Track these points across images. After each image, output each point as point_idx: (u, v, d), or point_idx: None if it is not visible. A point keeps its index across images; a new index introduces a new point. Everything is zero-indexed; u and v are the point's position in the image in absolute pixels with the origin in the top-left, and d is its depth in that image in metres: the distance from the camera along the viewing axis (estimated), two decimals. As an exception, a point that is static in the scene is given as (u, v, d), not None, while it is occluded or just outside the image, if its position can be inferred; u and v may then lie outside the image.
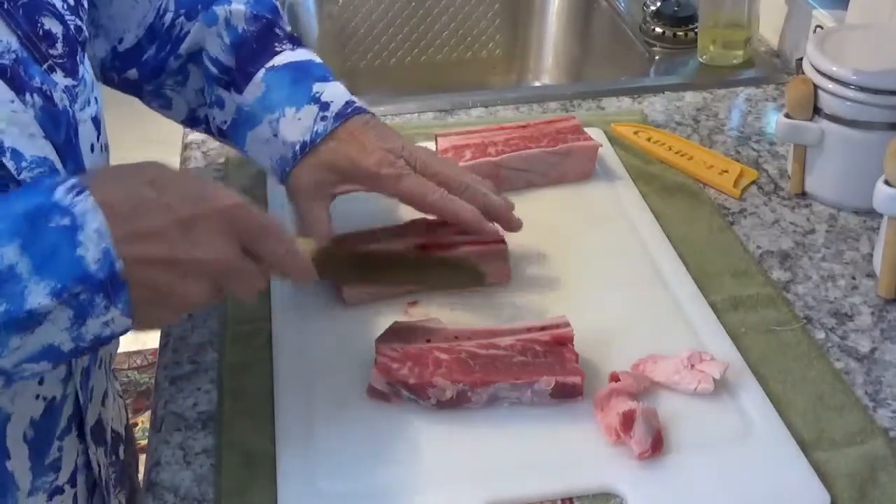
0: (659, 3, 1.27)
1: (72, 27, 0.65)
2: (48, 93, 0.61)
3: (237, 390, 0.72)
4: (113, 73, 0.82)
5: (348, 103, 0.77)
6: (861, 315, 0.80)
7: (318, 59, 0.81)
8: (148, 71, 0.81)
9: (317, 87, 0.78)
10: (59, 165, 0.61)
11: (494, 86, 1.57)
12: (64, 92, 0.63)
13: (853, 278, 0.84)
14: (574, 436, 0.67)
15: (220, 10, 0.80)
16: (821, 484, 0.64)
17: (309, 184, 0.77)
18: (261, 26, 0.80)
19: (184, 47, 0.80)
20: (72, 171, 0.62)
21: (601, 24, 1.44)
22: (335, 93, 0.78)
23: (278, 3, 0.84)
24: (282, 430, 0.68)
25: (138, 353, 2.30)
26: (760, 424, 0.68)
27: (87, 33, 0.68)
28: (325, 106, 0.77)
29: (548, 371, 0.69)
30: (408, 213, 0.83)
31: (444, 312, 0.76)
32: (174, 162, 1.06)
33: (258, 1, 0.81)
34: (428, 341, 0.71)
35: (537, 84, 1.55)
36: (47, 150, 0.60)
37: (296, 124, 0.76)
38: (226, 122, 0.81)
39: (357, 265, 0.71)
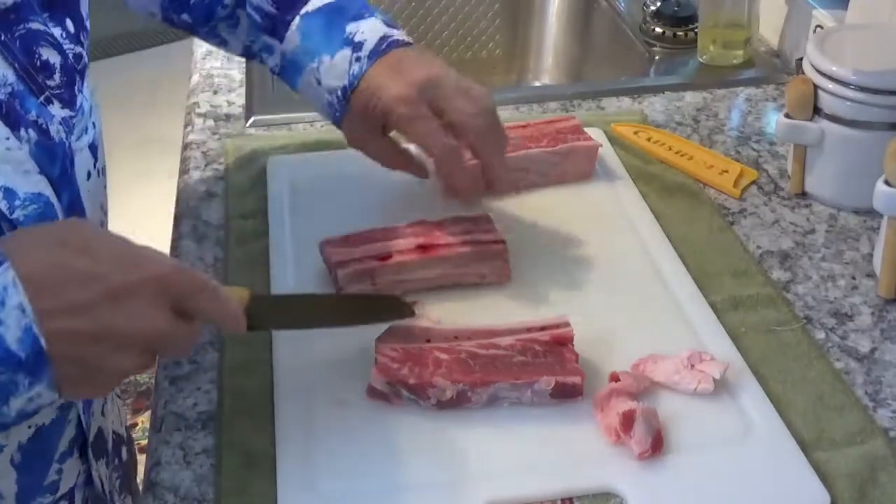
0: (659, 3, 1.27)
1: (70, 56, 0.65)
2: (44, 126, 0.60)
3: (237, 390, 0.72)
4: (172, 14, 0.84)
5: (383, 38, 0.77)
6: (861, 315, 0.80)
7: None
8: (199, 16, 0.84)
9: (350, 27, 0.78)
10: (53, 199, 0.60)
11: (494, 86, 1.57)
12: (60, 124, 0.62)
13: (853, 278, 0.84)
14: (574, 436, 0.67)
15: None
16: (821, 484, 0.64)
17: (356, 131, 0.79)
18: None
19: None
20: (67, 203, 0.62)
21: (601, 24, 1.43)
22: (370, 30, 0.78)
23: None
24: (282, 430, 0.68)
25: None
26: (760, 424, 0.68)
27: (86, 61, 0.68)
28: (357, 46, 0.77)
29: (548, 371, 0.69)
30: (407, 214, 0.83)
31: (444, 312, 0.76)
32: (174, 162, 1.06)
33: None
34: (428, 341, 0.71)
35: (537, 84, 1.55)
36: (42, 186, 0.59)
37: (333, 70, 0.77)
38: (276, 67, 0.82)
39: (284, 311, 0.70)
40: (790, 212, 0.93)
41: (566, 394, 0.69)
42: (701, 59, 1.21)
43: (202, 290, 0.57)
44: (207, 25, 0.85)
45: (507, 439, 0.67)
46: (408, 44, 0.79)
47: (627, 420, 0.65)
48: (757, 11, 1.17)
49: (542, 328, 0.72)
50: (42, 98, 0.61)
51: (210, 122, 1.06)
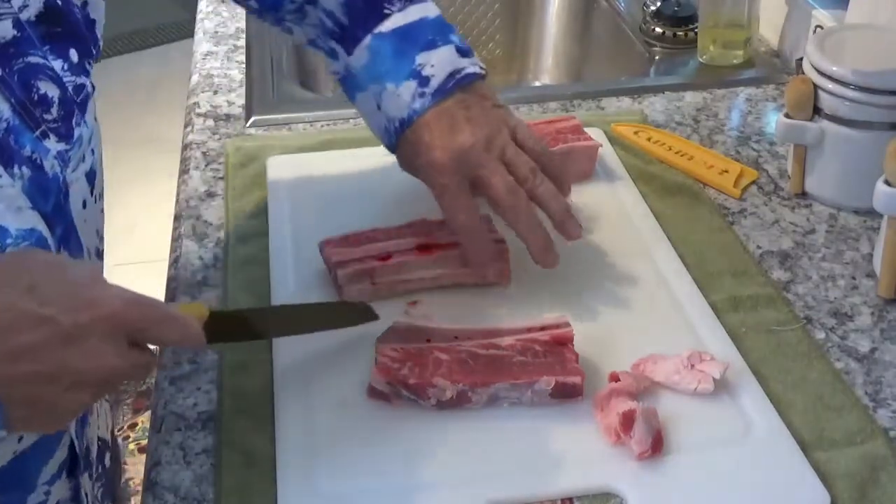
0: (659, 3, 1.27)
1: (70, 89, 0.63)
2: (38, 161, 0.59)
3: (237, 390, 0.72)
4: None
5: (451, 75, 0.76)
6: (861, 315, 0.80)
7: (431, 16, 0.78)
8: (266, 4, 0.81)
9: (420, 58, 0.76)
10: (46, 234, 0.59)
11: (494, 86, 1.57)
12: (56, 158, 0.61)
13: (853, 278, 0.84)
14: (574, 436, 0.67)
15: None
16: (821, 484, 0.64)
17: (408, 164, 0.78)
18: None
19: None
20: (60, 236, 0.61)
21: (601, 24, 1.43)
22: (440, 63, 0.76)
23: None
24: (282, 430, 0.68)
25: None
26: (760, 424, 0.68)
27: (90, 89, 0.66)
28: (424, 81, 0.75)
29: (548, 371, 0.69)
30: (407, 214, 0.83)
31: (444, 312, 0.76)
32: (174, 162, 1.06)
33: None
34: (428, 341, 0.71)
35: (537, 84, 1.55)
36: (34, 221, 0.58)
37: (395, 100, 0.76)
38: (338, 73, 0.81)
39: (242, 325, 0.69)
40: (790, 212, 0.93)
41: (566, 394, 0.69)
42: (701, 59, 1.21)
43: (159, 322, 0.56)
44: (274, 15, 0.82)
45: (508, 439, 0.67)
46: (479, 76, 0.77)
47: (627, 420, 0.65)
48: (757, 11, 1.17)
49: (542, 328, 0.72)
50: (38, 132, 0.60)
51: (210, 122, 1.06)
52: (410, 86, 0.75)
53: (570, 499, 0.64)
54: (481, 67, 0.78)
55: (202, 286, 0.83)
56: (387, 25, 0.77)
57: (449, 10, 1.51)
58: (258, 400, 0.71)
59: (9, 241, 0.56)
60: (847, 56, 0.89)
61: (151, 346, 0.58)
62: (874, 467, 0.66)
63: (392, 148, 0.79)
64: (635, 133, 1.02)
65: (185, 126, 1.07)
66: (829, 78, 0.88)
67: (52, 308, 0.51)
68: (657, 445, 0.65)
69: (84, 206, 0.66)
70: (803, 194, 0.95)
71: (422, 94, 0.75)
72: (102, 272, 0.62)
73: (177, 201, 0.95)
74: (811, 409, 0.70)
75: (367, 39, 0.77)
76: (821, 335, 0.78)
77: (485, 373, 0.69)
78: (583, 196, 0.92)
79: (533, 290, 0.80)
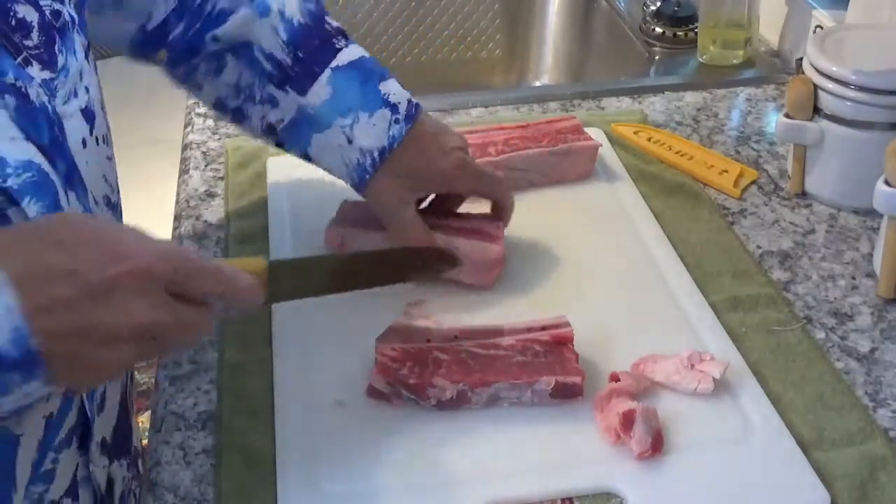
0: (659, 3, 1.27)
1: (47, 13, 0.61)
2: (23, 90, 0.57)
3: (237, 390, 0.72)
4: (142, 53, 0.79)
5: (410, 102, 0.77)
6: (861, 315, 0.80)
7: (367, 54, 0.79)
8: (179, 52, 0.78)
9: (382, 87, 0.76)
10: (48, 167, 0.58)
11: (494, 86, 1.57)
12: (41, 87, 0.59)
13: (853, 278, 0.84)
14: (574, 436, 0.67)
15: (271, 1, 0.76)
16: (821, 484, 0.64)
17: (392, 192, 0.76)
18: (314, 19, 0.77)
19: (225, 33, 0.76)
20: (63, 172, 0.60)
21: (601, 24, 1.44)
22: (398, 92, 0.77)
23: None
24: (282, 430, 0.68)
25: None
26: (760, 424, 0.68)
27: (68, 17, 0.64)
28: (395, 108, 0.76)
29: (548, 371, 0.69)
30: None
31: (444, 312, 0.76)
32: (174, 162, 1.06)
33: None
34: (428, 341, 0.71)
35: (537, 84, 1.56)
36: (31, 153, 0.57)
37: (371, 130, 0.75)
38: (281, 120, 0.78)
39: (307, 277, 0.67)
40: (790, 212, 0.93)
41: (566, 394, 0.69)
42: (701, 59, 1.21)
43: (197, 272, 0.55)
44: (187, 65, 0.79)
45: (507, 439, 0.67)
46: (420, 106, 0.79)
47: (627, 420, 0.65)
48: (757, 11, 1.17)
49: (542, 328, 0.72)
50: (20, 59, 0.58)
51: (210, 122, 1.06)
52: (385, 114, 0.75)
53: (570, 499, 0.64)
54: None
55: (202, 286, 0.83)
56: (342, 59, 0.76)
57: (449, 10, 1.51)
58: (258, 400, 0.71)
59: (9, 170, 0.55)
60: (847, 56, 0.89)
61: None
62: (874, 467, 0.66)
63: (362, 183, 0.77)
64: (635, 133, 1.02)
65: (185, 126, 1.07)
66: (830, 78, 0.88)
67: (80, 263, 0.51)
68: (657, 445, 0.65)
69: (84, 145, 0.64)
70: (803, 194, 0.95)
71: (396, 121, 0.75)
72: (120, 222, 0.59)
73: (177, 201, 0.95)
74: (811, 409, 0.70)
75: (327, 74, 0.76)
76: (821, 335, 0.78)
77: (485, 373, 0.69)
78: (583, 196, 0.92)
79: (533, 290, 0.80)
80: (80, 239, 0.52)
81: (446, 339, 0.71)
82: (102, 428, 0.69)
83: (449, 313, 0.76)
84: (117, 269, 0.52)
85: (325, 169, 0.79)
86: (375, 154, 0.75)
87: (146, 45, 0.78)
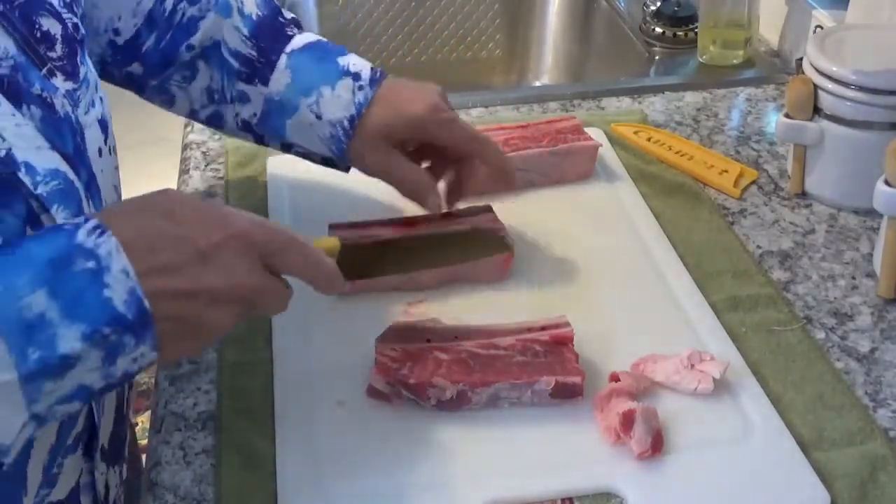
0: (659, 3, 1.27)
1: (69, 25, 0.63)
2: (48, 100, 0.59)
3: (237, 390, 0.72)
4: (114, 69, 0.79)
5: (373, 69, 0.78)
6: (861, 315, 0.80)
7: (322, 38, 0.81)
8: (153, 64, 0.79)
9: (341, 60, 0.78)
10: (72, 176, 0.59)
11: (494, 86, 1.57)
12: (65, 97, 0.61)
13: (853, 278, 0.84)
14: (574, 436, 0.67)
15: (231, 0, 0.78)
16: (821, 484, 0.64)
17: (372, 152, 0.77)
18: (269, 10, 0.79)
19: (196, 39, 0.78)
20: (84, 180, 0.61)
21: (601, 24, 1.44)
22: (358, 62, 0.78)
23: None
24: (282, 430, 0.68)
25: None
26: (760, 424, 0.68)
27: (83, 30, 0.66)
28: (356, 76, 0.77)
29: (548, 371, 0.69)
30: (408, 212, 0.83)
31: (444, 312, 0.76)
32: (174, 162, 1.06)
33: None
34: (428, 341, 0.71)
35: (537, 84, 1.55)
36: (57, 161, 0.58)
37: (336, 102, 0.76)
38: (255, 115, 0.79)
39: (379, 257, 0.72)
40: (790, 212, 0.93)
41: (566, 394, 0.69)
42: (701, 59, 1.21)
43: (287, 245, 0.59)
44: (161, 76, 0.80)
45: (507, 439, 0.67)
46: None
47: (627, 420, 0.65)
48: (757, 11, 1.17)
49: (542, 328, 0.72)
50: (45, 70, 0.60)
51: (210, 122, 1.06)
52: (347, 83, 0.76)
53: (570, 499, 0.64)
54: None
55: (202, 286, 0.83)
56: (296, 43, 0.79)
57: (449, 10, 1.51)
58: (258, 400, 0.71)
59: (38, 178, 0.56)
60: (847, 56, 0.89)
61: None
62: (874, 467, 0.66)
63: (340, 152, 0.78)
64: (635, 133, 1.02)
65: (186, 126, 1.07)
66: (830, 78, 0.88)
67: (188, 228, 0.55)
68: (657, 445, 0.65)
69: (100, 154, 0.66)
70: (803, 194, 0.95)
71: (360, 88, 0.76)
72: None
73: (177, 201, 0.95)
74: (811, 409, 0.70)
75: (283, 59, 0.78)
76: (821, 335, 0.78)
77: (485, 373, 0.69)
78: (583, 196, 0.92)
79: (533, 289, 0.80)
80: (186, 209, 0.56)
81: (446, 339, 0.71)
82: (103, 434, 0.69)
83: (449, 313, 0.76)
84: (221, 234, 0.56)
85: (306, 152, 0.80)
86: (346, 122, 0.76)
87: (120, 61, 0.79)
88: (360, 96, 0.76)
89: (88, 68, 0.66)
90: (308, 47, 0.78)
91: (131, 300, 0.51)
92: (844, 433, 0.68)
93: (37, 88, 0.59)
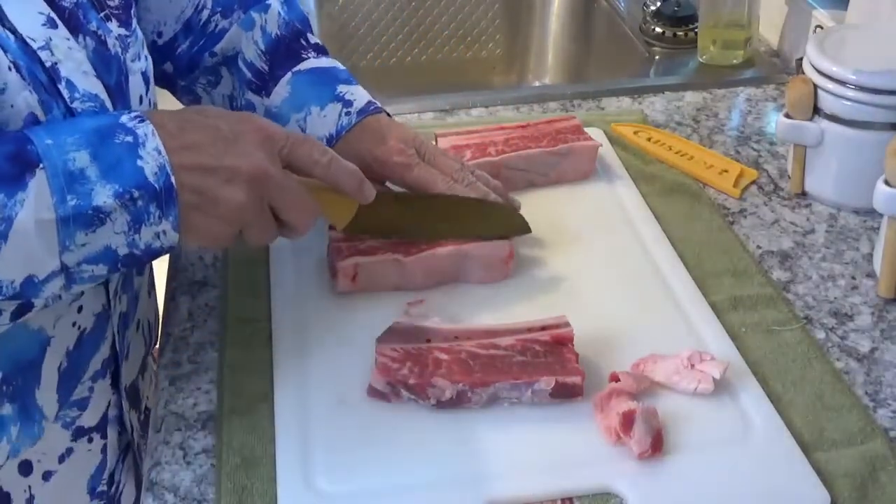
0: (659, 3, 1.27)
1: None
2: (102, 38, 0.67)
3: (237, 390, 0.72)
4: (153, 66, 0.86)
5: (370, 103, 0.82)
6: (861, 315, 0.80)
7: (341, 67, 0.85)
8: (182, 65, 0.85)
9: (341, 87, 0.82)
10: (108, 104, 0.66)
11: (494, 86, 1.57)
12: (117, 39, 0.68)
13: (853, 278, 0.84)
14: (574, 436, 0.67)
15: (256, 17, 0.83)
16: (821, 484, 0.64)
17: None
18: (291, 32, 0.84)
19: (219, 47, 0.84)
20: None
21: (601, 24, 1.44)
22: (358, 93, 0.82)
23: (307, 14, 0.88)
24: (281, 430, 0.68)
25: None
26: (760, 424, 0.68)
27: None
28: (348, 103, 0.81)
29: (548, 371, 0.69)
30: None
31: (444, 312, 0.76)
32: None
33: (291, 8, 0.85)
34: (428, 341, 0.71)
35: (537, 84, 1.56)
36: (98, 89, 0.65)
37: (321, 121, 0.80)
38: None
39: (399, 215, 0.76)
40: (790, 212, 0.93)
41: (566, 394, 0.69)
42: (701, 59, 1.21)
43: (306, 140, 0.67)
44: (189, 77, 0.86)
45: (507, 439, 0.67)
46: (387, 114, 0.84)
47: (627, 420, 0.65)
48: (757, 11, 1.17)
49: (542, 328, 0.72)
50: (102, 14, 0.68)
51: (210, 122, 1.06)
52: (336, 107, 0.80)
53: (570, 499, 0.64)
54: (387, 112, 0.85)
55: (202, 286, 0.83)
56: (305, 65, 0.84)
57: (449, 10, 1.51)
58: (258, 400, 0.71)
59: (76, 94, 0.63)
60: (847, 56, 0.89)
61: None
62: (874, 467, 0.66)
63: None
64: (635, 133, 1.02)
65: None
66: (829, 78, 0.88)
67: (216, 120, 0.63)
68: (657, 445, 0.65)
69: (140, 101, 0.72)
70: (803, 194, 0.95)
71: (347, 113, 0.80)
72: None
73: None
74: (811, 409, 0.70)
75: (287, 76, 0.83)
76: (821, 335, 0.78)
77: (485, 373, 0.69)
78: (583, 196, 0.92)
79: (533, 289, 0.80)
80: (216, 110, 0.65)
81: (446, 339, 0.71)
82: (126, 373, 0.76)
83: (449, 313, 0.76)
84: (246, 125, 0.64)
85: None
86: (324, 142, 0.79)
87: (156, 59, 0.84)
88: (344, 120, 0.80)
89: (138, 28, 0.73)
90: (313, 71, 0.83)
91: (161, 174, 0.59)
92: (844, 433, 0.68)
93: (93, 25, 0.66)
